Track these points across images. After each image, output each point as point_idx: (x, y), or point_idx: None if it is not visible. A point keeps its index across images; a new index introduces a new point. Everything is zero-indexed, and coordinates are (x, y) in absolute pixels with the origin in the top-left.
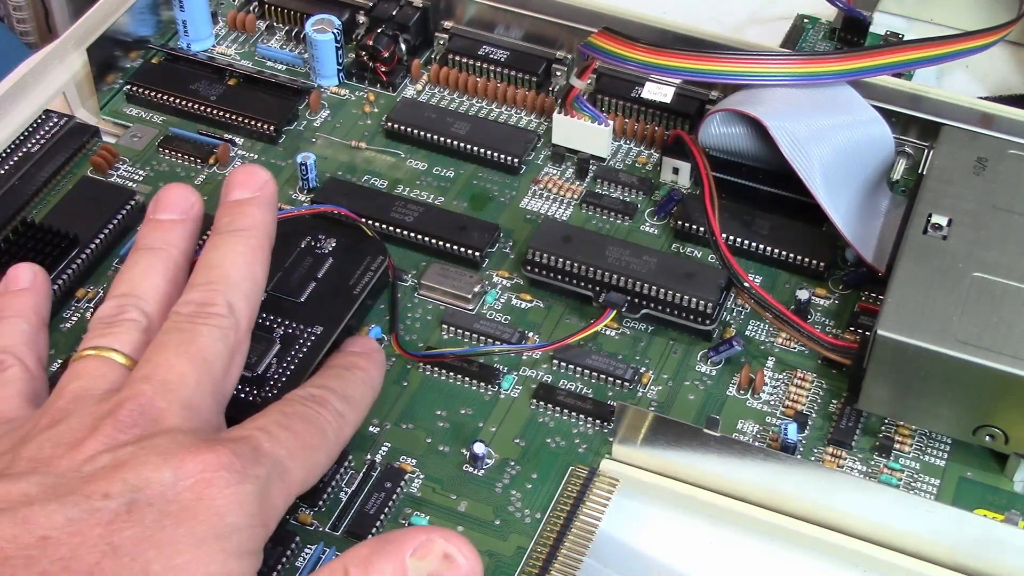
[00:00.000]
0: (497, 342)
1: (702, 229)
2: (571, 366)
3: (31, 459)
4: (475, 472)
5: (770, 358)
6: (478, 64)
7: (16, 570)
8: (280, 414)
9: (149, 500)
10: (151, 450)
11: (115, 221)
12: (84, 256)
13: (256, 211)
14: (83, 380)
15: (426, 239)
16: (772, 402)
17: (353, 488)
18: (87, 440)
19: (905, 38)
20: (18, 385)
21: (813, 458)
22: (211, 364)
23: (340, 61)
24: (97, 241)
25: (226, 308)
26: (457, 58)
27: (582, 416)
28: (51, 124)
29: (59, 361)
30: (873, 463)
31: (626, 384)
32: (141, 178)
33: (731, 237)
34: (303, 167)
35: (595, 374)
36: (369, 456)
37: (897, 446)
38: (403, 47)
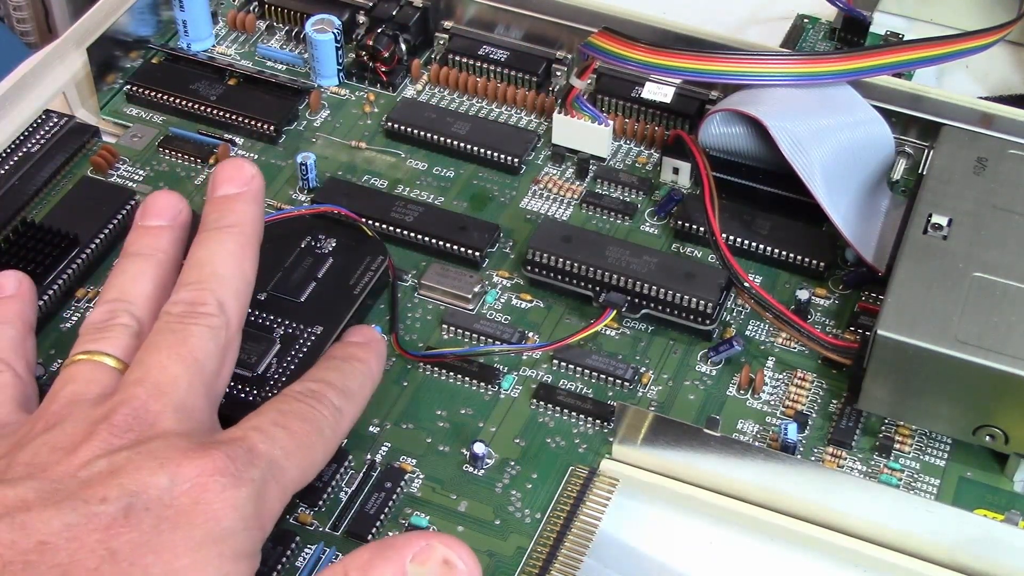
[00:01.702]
0: (497, 342)
1: (702, 229)
2: (571, 366)
3: (27, 464)
4: (475, 472)
5: (770, 358)
6: (478, 64)
7: (14, 575)
8: (276, 412)
9: (146, 505)
10: (147, 455)
11: (115, 221)
12: (84, 256)
13: (244, 206)
14: (76, 385)
15: (426, 239)
16: (772, 402)
17: (353, 488)
18: (83, 445)
19: (905, 38)
20: (9, 391)
21: (813, 458)
22: (203, 364)
23: (340, 61)
24: (97, 241)
25: (216, 307)
26: (457, 58)
27: (582, 416)
28: (51, 124)
29: (59, 362)
30: (873, 463)
31: (626, 384)
32: (141, 178)
33: (731, 237)
34: (303, 167)
35: (595, 374)
36: (369, 456)
37: (897, 446)
38: (403, 47)
